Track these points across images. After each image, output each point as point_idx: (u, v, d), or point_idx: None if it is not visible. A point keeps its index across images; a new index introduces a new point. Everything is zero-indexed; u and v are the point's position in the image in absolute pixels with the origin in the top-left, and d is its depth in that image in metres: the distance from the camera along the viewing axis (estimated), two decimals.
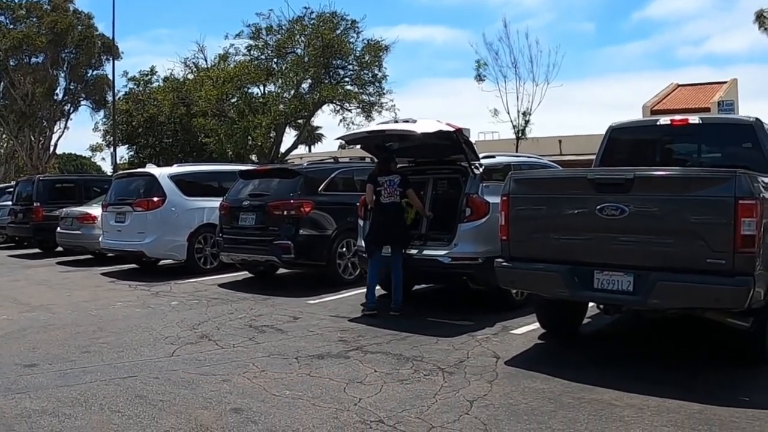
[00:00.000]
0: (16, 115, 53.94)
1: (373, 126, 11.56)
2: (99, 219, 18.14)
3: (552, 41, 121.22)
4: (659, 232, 7.06)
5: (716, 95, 40.31)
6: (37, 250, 23.14)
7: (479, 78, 37.94)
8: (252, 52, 43.84)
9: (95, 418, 6.30)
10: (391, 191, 10.85)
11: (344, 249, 13.58)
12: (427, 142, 10.97)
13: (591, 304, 8.95)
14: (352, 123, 44.08)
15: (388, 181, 10.89)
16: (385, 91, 43.52)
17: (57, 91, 55.81)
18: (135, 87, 52.48)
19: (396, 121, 11.42)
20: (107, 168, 62.31)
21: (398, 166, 12.00)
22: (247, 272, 15.56)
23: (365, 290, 11.04)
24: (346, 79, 43.51)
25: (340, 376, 7.46)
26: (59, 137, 59.26)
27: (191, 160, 40.39)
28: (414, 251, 10.87)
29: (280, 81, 42.83)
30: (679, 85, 46.03)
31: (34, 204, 22.18)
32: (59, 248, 21.41)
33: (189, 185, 16.69)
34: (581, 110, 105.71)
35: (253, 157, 43.95)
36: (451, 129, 10.43)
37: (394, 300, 10.87)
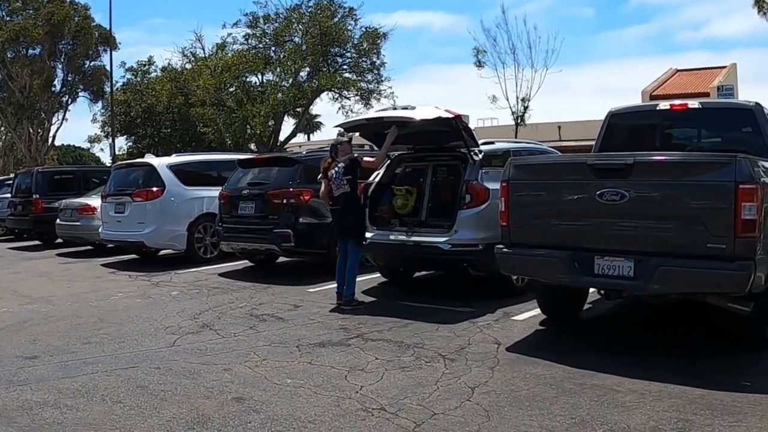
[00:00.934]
0: (14, 107, 53.92)
1: (372, 113, 11.53)
2: (98, 210, 18.13)
3: (551, 26, 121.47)
4: (659, 217, 7.05)
5: (715, 80, 40.27)
6: (36, 242, 23.10)
7: (478, 64, 37.91)
8: (250, 40, 43.98)
9: (97, 409, 6.30)
10: (338, 183, 10.57)
11: None
12: (427, 129, 10.92)
13: (592, 289, 8.94)
14: (351, 111, 44.33)
15: (335, 172, 10.61)
16: (383, 79, 43.80)
17: (55, 82, 55.84)
18: (133, 77, 52.59)
19: (395, 108, 11.37)
20: (106, 159, 62.45)
21: (397, 153, 12.00)
22: (247, 261, 15.56)
23: (360, 278, 10.94)
24: (345, 67, 43.62)
25: (341, 364, 7.46)
26: (57, 129, 59.38)
27: (190, 149, 40.42)
28: (414, 238, 10.87)
29: (278, 69, 42.93)
30: (678, 70, 45.95)
31: (34, 196, 22.16)
32: (59, 240, 21.41)
33: (188, 175, 16.67)
34: (580, 96, 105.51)
35: (252, 146, 44.00)
36: (450, 116, 10.41)
37: (347, 290, 10.59)
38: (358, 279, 10.72)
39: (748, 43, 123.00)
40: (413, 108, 10.81)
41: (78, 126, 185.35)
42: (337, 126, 11.80)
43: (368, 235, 11.30)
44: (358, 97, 43.59)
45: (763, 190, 6.68)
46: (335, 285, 10.82)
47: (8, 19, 52.85)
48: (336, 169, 10.61)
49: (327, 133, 76.26)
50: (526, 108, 37.04)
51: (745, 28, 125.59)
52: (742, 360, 7.37)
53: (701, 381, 6.53)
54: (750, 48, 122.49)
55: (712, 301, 7.32)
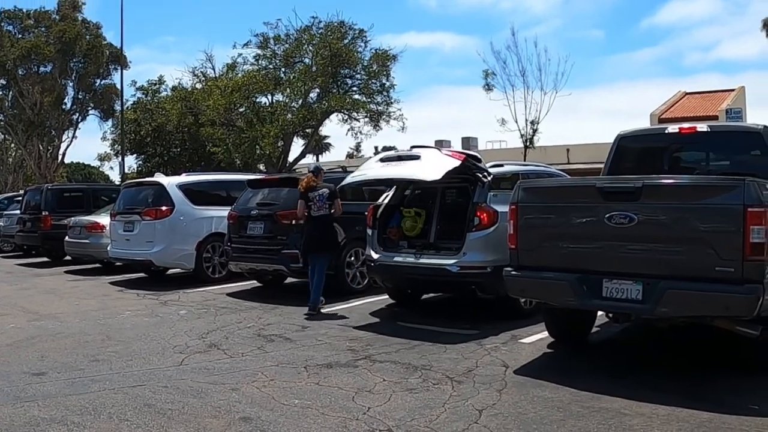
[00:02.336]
0: (24, 124, 54.20)
1: (379, 168, 11.34)
2: (107, 228, 18.16)
3: (561, 48, 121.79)
4: (668, 240, 7.05)
5: (724, 103, 40.27)
6: (45, 259, 23.18)
7: (487, 87, 37.93)
8: (260, 61, 44.00)
9: (104, 427, 6.31)
10: (320, 205, 11.76)
11: (353, 258, 13.60)
12: None
13: (600, 312, 8.93)
14: (360, 132, 44.60)
15: (318, 195, 11.78)
16: (392, 101, 43.63)
17: (65, 100, 56.15)
18: (143, 96, 52.72)
19: (399, 158, 11.22)
20: (115, 177, 62.58)
21: None
22: (255, 281, 15.57)
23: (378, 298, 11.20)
24: (354, 89, 43.59)
25: (348, 385, 7.46)
26: (67, 146, 59.76)
27: (199, 169, 40.49)
28: (423, 260, 10.88)
29: (288, 90, 42.89)
30: (687, 93, 46.00)
31: (43, 213, 22.21)
32: (67, 257, 21.43)
33: (197, 194, 16.73)
34: (589, 118, 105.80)
35: (261, 167, 44.01)
36: (458, 162, 10.45)
37: (313, 299, 11.70)
38: (366, 300, 10.78)
39: (758, 65, 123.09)
40: (418, 157, 10.80)
41: (88, 144, 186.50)
42: (345, 184, 11.84)
43: (375, 256, 11.36)
44: (367, 119, 43.68)
45: None
46: (343, 306, 10.94)
47: (20, 36, 53.27)
48: (320, 192, 11.66)
49: (336, 155, 76.55)
50: (535, 131, 37.03)
51: (754, 50, 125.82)
52: (750, 383, 7.35)
53: (709, 404, 6.52)
54: (760, 70, 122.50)
55: (721, 325, 7.30)
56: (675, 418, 6.21)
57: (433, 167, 10.48)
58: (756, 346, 7.38)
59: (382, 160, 11.45)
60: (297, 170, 42.79)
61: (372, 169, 11.53)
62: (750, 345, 7.41)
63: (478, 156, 11.22)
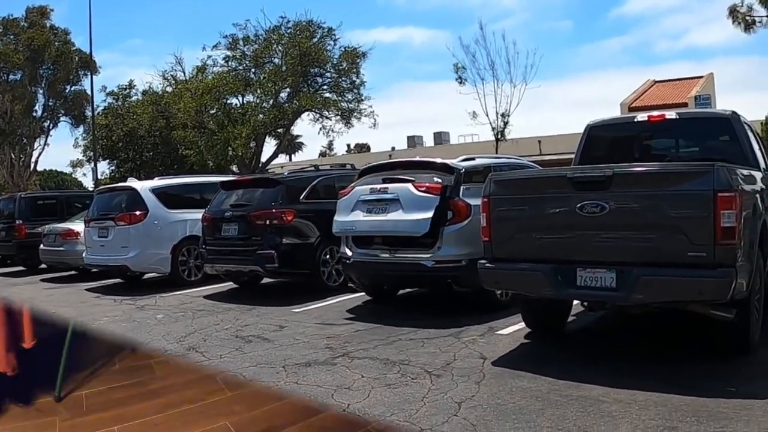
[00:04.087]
0: None
1: (369, 225, 11.09)
2: (82, 235, 18.03)
3: (530, 40, 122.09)
4: (640, 227, 7.10)
5: (693, 90, 40.59)
6: (20, 268, 23.00)
7: (460, 81, 38.00)
8: (230, 62, 44.09)
9: None
10: None
11: (328, 256, 13.54)
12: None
13: (575, 301, 8.98)
14: (332, 131, 44.65)
15: None
16: (363, 98, 43.79)
17: (36, 107, 55.62)
18: (114, 101, 52.52)
19: (378, 200, 10.97)
20: (88, 183, 62.18)
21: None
22: (231, 283, 15.51)
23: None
24: (325, 87, 43.75)
25: (327, 383, 7.46)
26: (39, 154, 58.98)
27: (172, 172, 40.38)
28: (398, 255, 10.89)
29: (258, 91, 42.96)
30: (656, 82, 46.29)
31: (17, 222, 22.05)
32: (43, 265, 21.26)
33: (171, 198, 16.63)
34: (560, 109, 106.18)
35: (234, 168, 43.99)
36: (437, 198, 10.49)
37: None
38: (342, 298, 10.81)
39: (727, 52, 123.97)
40: (396, 199, 10.73)
41: (60, 151, 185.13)
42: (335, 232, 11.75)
43: (350, 253, 11.39)
44: (338, 117, 43.78)
45: (741, 198, 6.77)
46: (320, 305, 10.97)
47: None
48: None
49: (308, 154, 76.40)
50: (506, 123, 37.18)
51: (723, 37, 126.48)
52: (727, 366, 7.40)
53: (687, 388, 6.56)
54: (728, 57, 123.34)
55: (695, 309, 7.34)
56: (653, 403, 6.25)
57: (416, 217, 10.53)
58: (724, 327, 7.41)
59: (362, 201, 11.30)
60: (270, 170, 42.78)
61: (359, 221, 11.29)
62: (718, 327, 7.45)
63: (448, 164, 11.15)
